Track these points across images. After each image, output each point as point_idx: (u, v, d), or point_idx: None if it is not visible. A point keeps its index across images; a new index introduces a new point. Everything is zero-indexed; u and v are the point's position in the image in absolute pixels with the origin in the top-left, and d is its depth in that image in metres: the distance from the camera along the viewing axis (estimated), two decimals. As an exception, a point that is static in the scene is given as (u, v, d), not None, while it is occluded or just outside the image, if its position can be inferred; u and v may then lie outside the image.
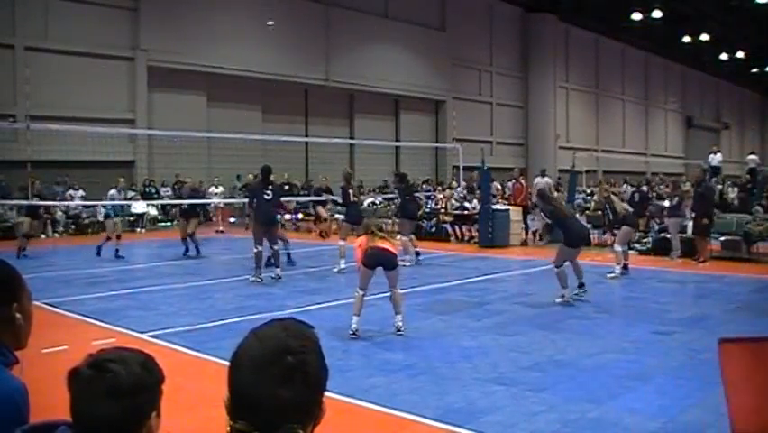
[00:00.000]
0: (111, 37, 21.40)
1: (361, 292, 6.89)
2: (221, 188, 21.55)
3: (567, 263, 8.85)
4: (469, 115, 32.03)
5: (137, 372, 1.29)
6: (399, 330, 6.91)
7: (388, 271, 6.96)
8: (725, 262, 12.69)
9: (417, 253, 12.66)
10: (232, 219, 21.67)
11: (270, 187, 10.61)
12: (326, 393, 1.27)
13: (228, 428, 1.20)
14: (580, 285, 8.99)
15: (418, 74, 29.98)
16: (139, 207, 19.81)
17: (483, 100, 34.54)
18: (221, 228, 19.72)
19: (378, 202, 21.53)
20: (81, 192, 18.98)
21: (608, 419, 4.47)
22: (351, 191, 12.08)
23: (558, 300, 8.56)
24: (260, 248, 10.25)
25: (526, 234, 16.61)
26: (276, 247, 10.56)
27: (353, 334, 6.73)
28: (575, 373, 5.54)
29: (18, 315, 1.64)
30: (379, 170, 26.54)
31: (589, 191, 23.53)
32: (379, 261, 6.89)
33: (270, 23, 23.63)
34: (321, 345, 1.28)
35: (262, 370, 1.18)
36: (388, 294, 7.06)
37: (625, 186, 23.99)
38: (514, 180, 17.56)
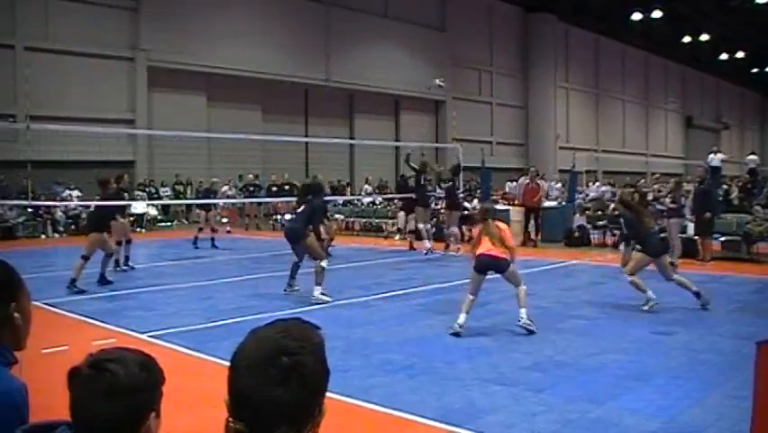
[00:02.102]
0: (111, 37, 21.42)
1: (471, 297, 6.97)
2: (233, 190, 21.51)
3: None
4: (469, 115, 32.06)
5: (135, 372, 1.29)
6: (521, 323, 6.90)
7: (502, 274, 7.06)
8: (725, 262, 12.68)
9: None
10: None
11: (302, 207, 9.35)
12: (326, 394, 1.26)
13: (225, 426, 1.20)
14: (697, 294, 8.21)
15: (418, 74, 29.97)
16: (139, 207, 19.82)
17: (483, 100, 34.55)
18: (228, 229, 19.71)
19: (377, 202, 21.50)
20: (77, 192, 19.00)
21: (608, 419, 4.47)
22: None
23: (645, 308, 8.04)
24: (295, 259, 9.25)
25: (537, 234, 16.12)
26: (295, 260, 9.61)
27: (459, 328, 6.75)
28: (575, 373, 5.54)
29: (16, 314, 1.64)
30: (380, 171, 26.57)
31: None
32: (489, 267, 7.01)
33: (438, 81, 22.38)
34: (324, 346, 1.27)
35: (259, 371, 1.18)
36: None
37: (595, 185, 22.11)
38: (528, 181, 16.60)
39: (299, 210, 9.30)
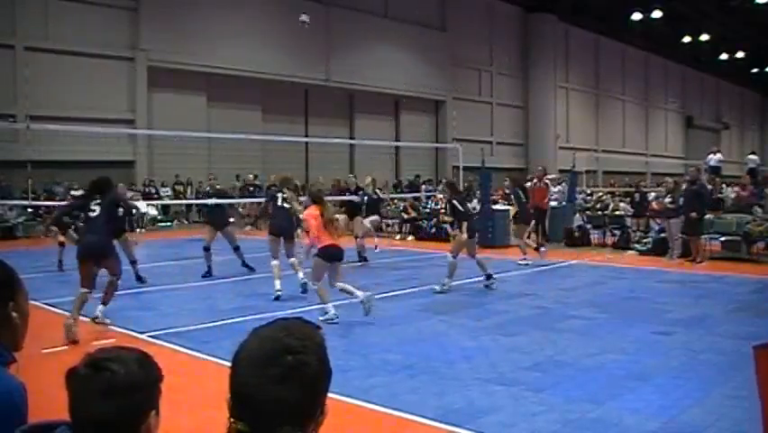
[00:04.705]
0: (111, 37, 21.41)
1: (319, 284, 7.37)
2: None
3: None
4: (469, 115, 32.07)
5: (134, 370, 1.29)
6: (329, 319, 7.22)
7: (336, 264, 7.45)
8: (725, 262, 12.68)
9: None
10: (230, 219, 21.63)
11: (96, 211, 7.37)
12: (327, 394, 1.26)
13: (228, 427, 1.20)
14: (488, 276, 9.75)
15: (418, 74, 29.99)
16: (139, 207, 19.77)
17: (483, 100, 34.56)
18: None
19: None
20: (81, 192, 18.94)
21: (608, 419, 4.47)
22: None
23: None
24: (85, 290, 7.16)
25: (544, 235, 15.56)
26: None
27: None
28: (575, 373, 5.54)
29: (14, 313, 1.64)
30: (380, 171, 26.56)
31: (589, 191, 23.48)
32: (335, 256, 7.39)
33: (304, 18, 19.93)
34: (325, 346, 1.27)
35: (260, 369, 1.18)
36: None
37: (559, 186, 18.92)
38: (535, 180, 15.86)
39: (94, 216, 7.19)
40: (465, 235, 9.62)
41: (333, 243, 7.41)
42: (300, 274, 9.01)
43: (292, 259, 9.19)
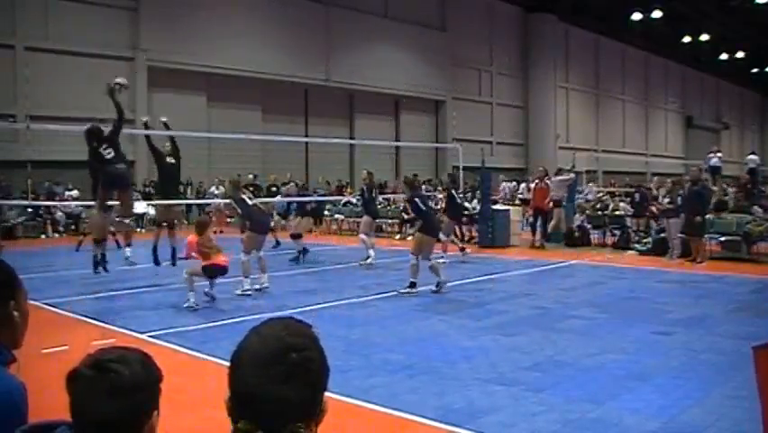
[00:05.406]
0: (111, 37, 21.42)
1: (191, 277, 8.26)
2: (222, 189, 21.54)
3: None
4: (469, 115, 32.07)
5: (138, 371, 1.29)
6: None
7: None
8: (725, 262, 12.68)
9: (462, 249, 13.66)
10: (229, 219, 21.63)
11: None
12: (326, 393, 1.26)
13: (231, 430, 1.20)
14: (437, 284, 9.43)
15: (418, 74, 30.00)
16: (139, 207, 19.78)
17: (483, 100, 34.57)
18: (220, 229, 19.69)
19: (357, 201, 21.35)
20: (75, 192, 18.98)
21: (608, 419, 4.47)
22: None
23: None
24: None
25: (544, 236, 15.70)
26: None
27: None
28: (575, 373, 5.54)
29: (15, 313, 1.65)
30: (379, 170, 26.58)
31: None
32: (214, 273, 8.32)
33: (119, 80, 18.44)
34: (321, 344, 1.28)
35: (264, 368, 1.17)
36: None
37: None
38: (537, 181, 16.11)
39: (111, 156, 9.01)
40: (418, 234, 9.70)
41: (213, 262, 8.31)
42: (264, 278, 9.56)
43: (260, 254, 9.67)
